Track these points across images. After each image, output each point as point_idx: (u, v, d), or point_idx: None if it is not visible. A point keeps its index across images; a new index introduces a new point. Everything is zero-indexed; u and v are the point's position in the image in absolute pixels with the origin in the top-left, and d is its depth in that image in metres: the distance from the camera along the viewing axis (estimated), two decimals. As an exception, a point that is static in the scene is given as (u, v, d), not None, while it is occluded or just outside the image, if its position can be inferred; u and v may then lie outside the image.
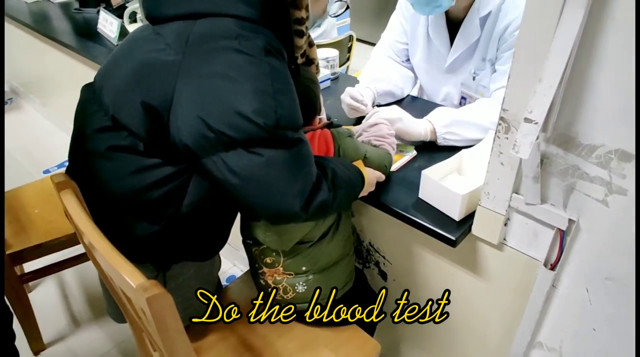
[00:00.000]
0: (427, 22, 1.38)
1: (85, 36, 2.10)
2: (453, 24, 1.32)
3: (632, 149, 0.72)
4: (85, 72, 2.23)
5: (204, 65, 0.77)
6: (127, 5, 2.12)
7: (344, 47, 2.22)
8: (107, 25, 2.01)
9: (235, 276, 1.88)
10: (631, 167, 0.73)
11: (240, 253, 1.91)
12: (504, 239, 0.97)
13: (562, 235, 0.86)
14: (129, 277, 0.62)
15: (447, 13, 1.32)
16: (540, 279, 0.93)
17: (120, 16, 2.04)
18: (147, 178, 0.83)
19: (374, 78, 1.41)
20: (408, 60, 1.51)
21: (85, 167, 0.87)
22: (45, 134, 3.01)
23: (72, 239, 1.50)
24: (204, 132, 0.76)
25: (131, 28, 2.03)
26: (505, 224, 0.94)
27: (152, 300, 0.59)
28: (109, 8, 2.14)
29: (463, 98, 1.40)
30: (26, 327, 1.58)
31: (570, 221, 0.84)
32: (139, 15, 2.09)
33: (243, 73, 0.76)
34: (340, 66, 2.27)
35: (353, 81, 1.64)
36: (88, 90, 0.91)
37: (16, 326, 1.49)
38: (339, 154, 1.01)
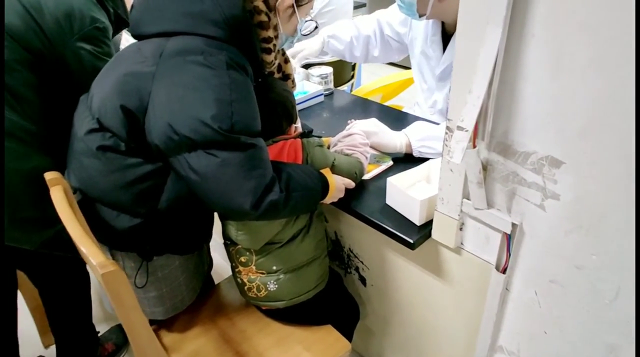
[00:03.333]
0: (426, 29, 1.48)
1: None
2: (448, 36, 1.42)
3: (559, 155, 0.77)
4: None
5: (173, 76, 0.88)
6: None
7: (347, 65, 2.31)
8: (125, 44, 2.18)
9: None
10: (560, 172, 0.78)
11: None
12: (462, 243, 1.02)
13: (508, 239, 0.91)
14: (91, 256, 0.72)
15: (443, 24, 1.43)
16: (493, 282, 0.97)
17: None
18: (128, 175, 0.94)
19: (331, 34, 1.62)
20: (387, 33, 1.63)
21: (77, 164, 0.99)
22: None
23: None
24: (170, 135, 0.87)
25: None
26: (461, 229, 0.99)
27: (107, 275, 0.68)
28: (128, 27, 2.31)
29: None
30: (38, 321, 1.70)
31: (514, 224, 0.88)
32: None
33: (205, 84, 0.86)
34: (344, 83, 2.36)
35: (345, 97, 1.73)
36: (84, 100, 1.03)
37: (29, 320, 1.63)
38: (307, 162, 1.08)
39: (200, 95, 0.85)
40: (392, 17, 1.60)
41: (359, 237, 1.31)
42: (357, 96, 1.78)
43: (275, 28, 0.99)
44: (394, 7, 1.58)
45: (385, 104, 1.88)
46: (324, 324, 1.23)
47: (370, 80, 2.60)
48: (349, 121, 1.31)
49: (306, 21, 1.08)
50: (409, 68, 1.73)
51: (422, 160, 1.27)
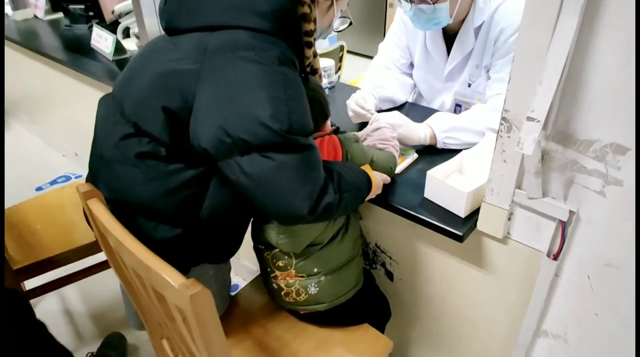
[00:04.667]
0: (424, 33, 1.45)
1: (78, 52, 2.12)
2: (449, 36, 1.39)
3: (625, 142, 0.78)
4: (79, 88, 2.25)
5: (222, 74, 0.81)
6: (120, 21, 2.15)
7: (335, 57, 2.28)
8: (102, 41, 2.04)
9: (239, 285, 1.90)
10: (625, 159, 0.79)
11: (242, 262, 1.93)
12: (508, 233, 1.02)
13: (563, 226, 0.92)
14: (169, 277, 0.66)
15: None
16: (544, 269, 0.99)
17: (114, 32, 2.07)
18: (170, 183, 0.87)
19: (375, 85, 1.47)
20: (406, 71, 1.58)
21: (109, 174, 0.90)
22: (36, 152, 2.99)
23: (78, 253, 1.51)
24: (221, 138, 0.81)
25: (126, 43, 2.06)
26: (509, 219, 1.00)
27: (195, 297, 0.63)
28: (102, 24, 2.16)
29: (458, 105, 1.47)
30: (32, 343, 1.57)
31: (571, 212, 0.89)
32: (133, 31, 2.12)
33: (259, 82, 0.81)
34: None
35: (349, 89, 1.70)
36: (107, 103, 0.94)
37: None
38: (347, 158, 1.05)
39: (254, 94, 0.79)
40: (389, 46, 1.55)
41: (388, 232, 1.29)
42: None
43: (315, 21, 0.94)
44: (387, 39, 1.56)
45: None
46: (360, 324, 1.21)
47: (353, 75, 2.59)
48: (371, 115, 1.29)
49: (341, 17, 1.03)
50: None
51: (442, 150, 1.27)
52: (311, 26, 0.93)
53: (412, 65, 1.57)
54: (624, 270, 0.89)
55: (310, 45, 0.95)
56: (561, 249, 0.94)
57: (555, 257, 0.96)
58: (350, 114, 1.38)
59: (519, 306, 1.10)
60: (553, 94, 0.76)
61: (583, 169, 0.85)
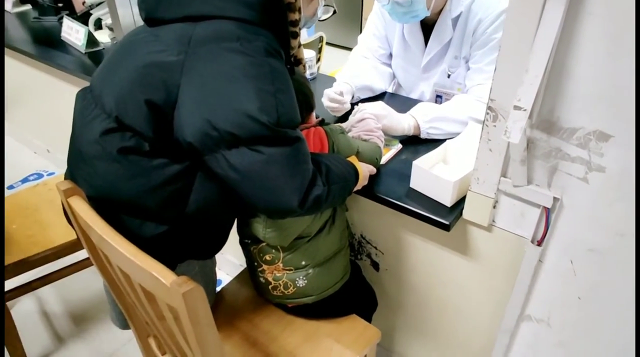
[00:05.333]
0: (400, 25, 1.44)
1: (48, 45, 2.04)
2: (427, 26, 1.40)
3: (608, 129, 0.80)
4: (50, 82, 2.17)
5: (207, 65, 0.79)
6: (91, 12, 2.08)
7: (315, 49, 2.25)
8: (73, 33, 1.97)
9: (222, 280, 1.88)
10: (608, 146, 0.81)
11: (226, 257, 1.92)
12: (493, 220, 1.04)
13: (547, 212, 0.93)
14: (160, 275, 0.64)
15: None
16: (528, 255, 1.00)
17: (85, 23, 2.00)
18: (154, 178, 0.84)
19: (352, 74, 1.47)
20: (385, 61, 1.57)
21: (90, 171, 0.87)
22: (6, 150, 2.88)
23: (57, 253, 1.47)
24: (208, 131, 0.79)
25: (98, 35, 2.00)
26: (494, 207, 1.01)
27: (188, 295, 0.61)
28: (73, 15, 2.09)
29: (439, 96, 1.48)
30: (10, 346, 1.53)
31: (555, 198, 0.91)
32: (105, 22, 2.05)
33: (245, 73, 0.79)
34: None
35: (331, 80, 1.69)
36: (85, 97, 0.91)
37: None
38: (333, 150, 1.05)
39: (241, 86, 0.78)
40: (368, 37, 1.55)
41: (374, 223, 1.29)
42: (342, 80, 1.74)
43: (300, 10, 0.93)
44: (365, 30, 1.56)
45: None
46: (348, 315, 1.21)
47: (332, 66, 2.57)
48: (355, 106, 1.28)
49: (324, 5, 1.02)
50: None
51: (426, 140, 1.28)
52: (296, 16, 0.92)
53: (391, 55, 1.57)
54: (606, 255, 0.91)
55: (296, 35, 0.94)
56: (545, 235, 0.96)
57: (540, 243, 0.98)
58: (326, 105, 1.37)
59: (504, 291, 1.12)
60: (539, 82, 0.77)
61: (567, 156, 0.87)
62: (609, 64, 0.75)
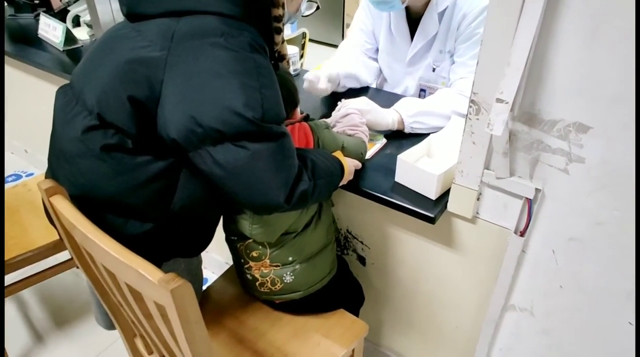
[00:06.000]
0: (389, 17, 1.46)
1: (25, 43, 1.99)
2: (413, 20, 1.41)
3: (587, 121, 0.81)
4: (27, 81, 2.12)
5: (190, 61, 0.78)
6: (69, 9, 2.04)
7: (298, 45, 2.25)
8: (50, 30, 1.92)
9: (208, 278, 1.87)
10: (587, 137, 0.83)
11: (211, 255, 1.90)
12: (477, 212, 1.05)
13: (529, 203, 0.95)
14: (146, 272, 0.63)
15: (407, 9, 1.40)
16: (511, 246, 1.02)
17: (63, 20, 1.96)
18: (139, 176, 0.83)
19: (340, 62, 1.48)
20: (372, 55, 1.59)
21: (72, 169, 0.86)
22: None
23: (38, 254, 1.44)
24: (192, 128, 0.78)
25: (76, 32, 1.96)
26: (478, 199, 1.02)
27: (176, 292, 0.61)
28: (50, 12, 2.05)
29: (422, 90, 1.49)
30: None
31: (537, 190, 0.93)
32: (83, 19, 2.02)
33: (230, 69, 0.78)
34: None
35: (314, 76, 1.69)
36: (65, 94, 0.89)
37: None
38: (319, 145, 1.05)
39: (225, 82, 0.77)
40: (355, 32, 1.56)
41: (359, 217, 1.30)
42: (325, 76, 1.74)
43: (284, 6, 0.93)
44: (353, 25, 1.56)
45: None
46: (335, 310, 1.21)
47: (315, 63, 2.56)
48: (339, 101, 1.28)
49: (308, 1, 1.02)
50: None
51: (410, 135, 1.29)
52: (280, 11, 0.91)
53: (377, 50, 1.58)
54: (587, 243, 0.93)
55: (280, 30, 0.94)
56: (528, 226, 0.98)
57: (522, 234, 0.99)
58: (306, 84, 1.36)
59: (488, 282, 1.14)
60: (521, 75, 0.79)
61: (548, 148, 0.88)
62: (586, 56, 0.76)
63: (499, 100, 0.81)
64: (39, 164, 2.61)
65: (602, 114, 0.79)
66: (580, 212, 0.91)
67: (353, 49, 1.57)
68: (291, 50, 1.64)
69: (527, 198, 0.95)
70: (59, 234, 0.90)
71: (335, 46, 1.77)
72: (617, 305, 0.96)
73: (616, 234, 0.89)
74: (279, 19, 0.92)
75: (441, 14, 1.34)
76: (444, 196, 1.07)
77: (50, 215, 0.87)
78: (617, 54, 0.74)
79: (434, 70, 1.43)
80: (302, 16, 1.06)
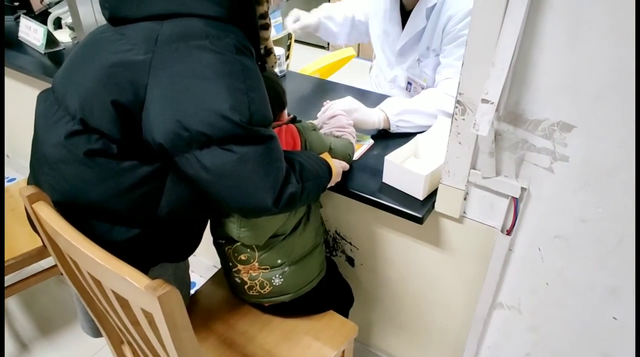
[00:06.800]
0: (385, 5, 1.50)
1: (5, 45, 1.95)
2: (406, 12, 1.44)
3: (570, 120, 0.82)
4: (7, 84, 2.08)
5: (175, 64, 0.77)
6: (50, 11, 2.01)
7: (284, 46, 2.24)
8: (31, 33, 1.89)
9: (196, 283, 1.85)
10: (571, 136, 0.84)
11: (199, 258, 1.89)
12: (464, 212, 1.06)
13: (515, 202, 0.96)
14: (133, 279, 0.62)
15: (401, 1, 1.44)
16: (498, 244, 1.03)
17: (44, 22, 1.92)
18: (124, 181, 0.82)
19: (329, 14, 1.66)
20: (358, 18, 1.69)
21: (55, 175, 0.84)
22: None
23: (20, 262, 1.41)
24: (178, 132, 0.77)
25: (58, 35, 1.93)
26: (465, 198, 1.03)
27: (163, 298, 0.60)
28: (31, 14, 2.01)
29: (409, 83, 1.51)
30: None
31: (522, 189, 0.94)
32: (65, 22, 1.98)
33: (216, 72, 0.78)
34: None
35: (299, 78, 1.69)
36: (47, 98, 0.88)
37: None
38: (306, 147, 1.04)
39: (211, 85, 0.76)
40: (361, 2, 1.66)
41: (348, 218, 1.30)
42: (312, 76, 1.74)
43: (268, 1, 0.92)
44: None
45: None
46: (325, 311, 1.21)
47: (302, 64, 2.56)
48: (324, 102, 1.28)
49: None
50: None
51: (396, 135, 1.29)
52: (264, 7, 0.91)
53: (361, 22, 1.68)
54: (572, 240, 0.94)
55: (267, 26, 0.93)
56: (514, 225, 0.99)
57: (509, 233, 1.00)
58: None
59: (476, 281, 1.15)
60: (505, 75, 0.79)
61: (532, 147, 0.89)
62: (569, 56, 0.77)
63: (484, 101, 0.81)
64: (21, 169, 2.56)
65: (585, 113, 0.81)
66: (565, 210, 0.92)
67: (346, 8, 1.69)
68: (277, 52, 1.63)
69: (513, 197, 0.96)
70: (42, 241, 0.88)
71: (321, 47, 1.78)
72: (601, 301, 0.97)
73: (600, 231, 0.90)
74: (265, 15, 0.92)
75: (430, 10, 1.36)
76: (432, 196, 1.08)
77: (33, 222, 0.85)
78: (599, 54, 0.75)
79: (418, 64, 1.45)
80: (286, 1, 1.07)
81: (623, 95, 0.76)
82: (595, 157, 0.84)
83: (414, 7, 1.40)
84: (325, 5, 1.69)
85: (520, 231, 1.01)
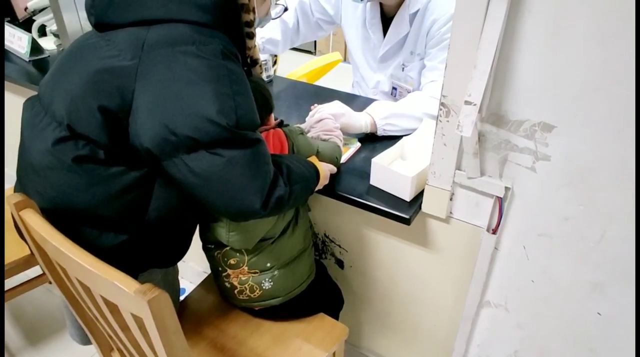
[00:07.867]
0: (364, 13, 1.50)
1: (-11, 54, 1.94)
2: (387, 18, 1.45)
3: (551, 121, 0.85)
4: (-9, 93, 2.06)
5: (162, 70, 0.78)
6: (34, 18, 1.99)
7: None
8: (15, 40, 1.88)
9: (185, 288, 1.85)
10: (552, 136, 0.86)
11: (188, 264, 1.88)
12: (450, 212, 1.08)
13: (500, 202, 0.98)
14: (122, 284, 0.63)
15: (382, 7, 1.45)
16: (485, 243, 1.05)
17: (28, 30, 1.91)
18: (112, 187, 0.82)
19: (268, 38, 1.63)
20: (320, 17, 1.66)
21: (42, 182, 0.84)
22: (-57, 165, 2.71)
23: (9, 270, 1.40)
24: (166, 136, 0.78)
25: (43, 42, 1.92)
26: (451, 199, 1.05)
27: (153, 302, 0.60)
28: (14, 22, 2.00)
29: (394, 88, 1.53)
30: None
31: (506, 188, 0.96)
32: (50, 29, 1.97)
33: (202, 77, 0.78)
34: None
35: (287, 83, 1.70)
36: (33, 105, 0.88)
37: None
38: (293, 151, 1.05)
39: (199, 90, 0.77)
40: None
41: (336, 221, 1.31)
42: (299, 81, 1.75)
43: (254, 10, 0.93)
44: None
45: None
46: (315, 314, 1.22)
47: (289, 69, 2.58)
48: (312, 106, 1.29)
49: (277, 4, 1.03)
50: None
51: (383, 138, 1.31)
52: (251, 16, 0.92)
53: (326, 22, 1.65)
54: (555, 238, 0.96)
55: (252, 35, 0.94)
56: (499, 224, 1.00)
57: (495, 232, 1.02)
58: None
59: (463, 280, 1.17)
60: (487, 77, 0.81)
61: (515, 147, 0.91)
62: (548, 58, 0.80)
63: (467, 103, 0.83)
64: (7, 177, 2.53)
65: (565, 114, 0.83)
66: (548, 208, 0.94)
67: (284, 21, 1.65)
68: (264, 57, 1.65)
69: (497, 197, 0.98)
70: (30, 248, 0.87)
71: (309, 52, 1.79)
72: (585, 296, 0.99)
73: (582, 228, 0.92)
74: (250, 24, 0.93)
75: (413, 16, 1.38)
76: (418, 197, 1.09)
77: (21, 229, 0.85)
78: (577, 55, 0.77)
79: (403, 69, 1.47)
80: (273, 19, 1.07)
81: (602, 96, 0.78)
82: (575, 156, 0.86)
83: (395, 14, 1.42)
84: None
85: (506, 230, 1.02)
